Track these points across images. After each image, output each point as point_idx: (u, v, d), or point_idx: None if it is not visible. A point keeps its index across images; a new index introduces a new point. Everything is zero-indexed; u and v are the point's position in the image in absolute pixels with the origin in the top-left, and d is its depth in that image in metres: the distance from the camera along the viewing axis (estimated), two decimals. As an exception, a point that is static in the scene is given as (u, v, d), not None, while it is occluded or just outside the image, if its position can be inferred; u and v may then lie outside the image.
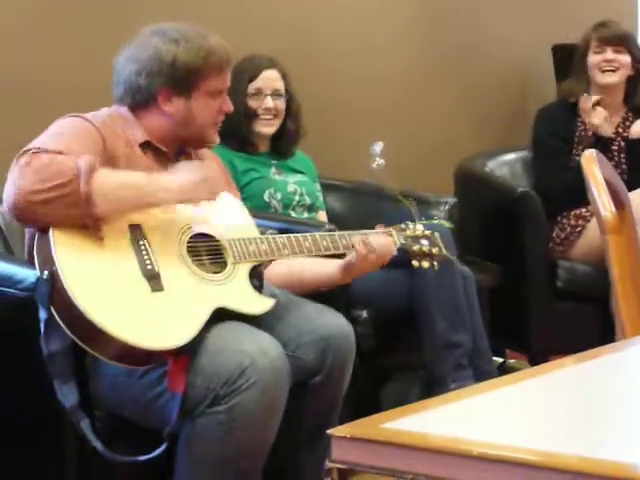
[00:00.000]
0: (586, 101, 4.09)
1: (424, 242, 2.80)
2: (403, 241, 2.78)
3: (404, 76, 4.56)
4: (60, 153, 2.30)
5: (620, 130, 4.16)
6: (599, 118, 4.05)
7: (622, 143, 4.13)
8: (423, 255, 2.80)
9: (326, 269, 2.75)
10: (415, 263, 2.80)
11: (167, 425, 2.34)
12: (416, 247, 2.79)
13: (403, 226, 2.82)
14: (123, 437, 2.49)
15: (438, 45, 4.69)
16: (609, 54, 4.10)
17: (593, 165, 2.12)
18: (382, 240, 2.74)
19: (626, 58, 4.11)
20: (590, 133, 4.08)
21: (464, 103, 4.77)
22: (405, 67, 4.56)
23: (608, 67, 4.11)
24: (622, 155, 4.11)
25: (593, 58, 4.13)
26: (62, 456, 2.50)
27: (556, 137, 4.10)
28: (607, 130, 4.06)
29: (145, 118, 2.59)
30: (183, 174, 2.45)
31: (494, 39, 4.86)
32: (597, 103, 4.07)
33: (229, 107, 2.64)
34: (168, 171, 2.47)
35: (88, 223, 2.31)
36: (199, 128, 2.60)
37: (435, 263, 2.81)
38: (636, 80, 4.15)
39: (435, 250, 2.81)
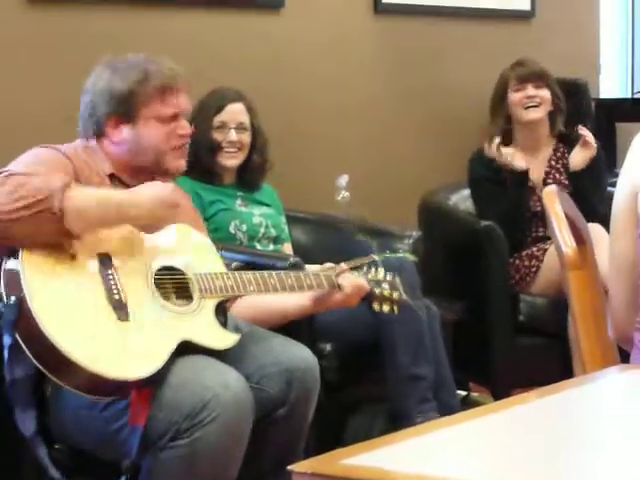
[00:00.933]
0: (490, 148, 4.14)
1: (385, 286, 2.83)
2: (367, 284, 2.80)
3: (369, 110, 4.58)
4: (28, 174, 2.31)
5: (553, 163, 4.20)
6: (505, 158, 4.09)
7: (557, 175, 4.18)
8: (384, 299, 2.83)
9: (297, 299, 2.76)
10: (376, 306, 2.84)
11: (127, 458, 2.33)
12: (377, 290, 2.82)
13: (366, 269, 2.84)
14: (82, 468, 2.48)
15: (403, 80, 4.72)
16: (530, 90, 4.17)
17: (554, 201, 2.14)
18: (356, 281, 2.76)
19: (546, 93, 4.18)
20: (507, 174, 4.13)
21: (429, 137, 4.80)
22: (371, 101, 4.59)
23: (531, 103, 4.16)
24: (559, 187, 4.16)
25: (514, 96, 4.18)
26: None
27: (489, 181, 4.15)
28: (519, 164, 4.10)
29: (104, 149, 2.61)
30: (153, 191, 2.45)
31: (458, 74, 4.90)
32: (498, 146, 4.13)
33: (185, 130, 2.64)
34: (138, 188, 2.47)
35: (62, 241, 2.30)
36: (154, 155, 2.60)
37: (395, 308, 2.85)
38: (555, 113, 4.21)
39: (395, 295, 2.84)
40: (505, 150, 4.12)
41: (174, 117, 2.61)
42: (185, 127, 2.64)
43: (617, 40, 5.98)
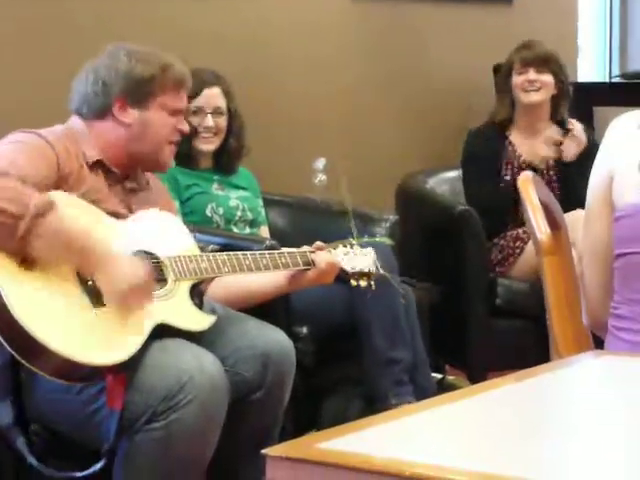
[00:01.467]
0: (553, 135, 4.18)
1: (361, 261, 2.83)
2: (340, 260, 2.80)
3: (348, 93, 4.58)
4: (19, 177, 2.28)
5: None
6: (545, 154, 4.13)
7: (551, 162, 4.21)
8: (360, 274, 2.82)
9: (272, 278, 2.76)
10: (353, 282, 2.84)
11: (104, 442, 2.33)
12: (353, 265, 2.82)
13: (341, 245, 2.84)
14: (60, 453, 2.48)
15: (382, 64, 4.72)
16: (531, 74, 4.20)
17: (529, 187, 2.15)
18: (329, 258, 2.76)
19: (548, 78, 4.20)
20: (517, 155, 4.15)
21: (407, 121, 4.80)
22: (349, 85, 4.58)
23: (531, 87, 4.20)
24: (551, 173, 4.19)
25: (516, 79, 4.22)
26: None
27: (484, 159, 4.16)
28: (540, 163, 4.14)
29: (100, 132, 2.59)
30: (128, 275, 2.35)
31: (437, 58, 4.90)
32: (560, 143, 4.16)
33: (185, 128, 2.67)
34: (117, 259, 2.38)
35: (19, 256, 2.28)
36: (153, 144, 2.60)
37: (372, 282, 2.85)
38: (560, 98, 4.24)
39: (372, 269, 2.83)
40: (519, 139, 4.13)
41: (179, 112, 2.63)
42: (186, 125, 2.67)
43: (595, 24, 5.99)
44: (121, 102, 2.58)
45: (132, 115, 2.58)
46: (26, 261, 2.29)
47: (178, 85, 2.62)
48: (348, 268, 2.81)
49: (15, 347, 2.24)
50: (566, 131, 4.21)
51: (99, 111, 2.58)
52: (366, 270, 2.83)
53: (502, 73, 4.30)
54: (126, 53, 2.60)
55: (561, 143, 4.20)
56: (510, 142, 4.21)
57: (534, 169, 4.06)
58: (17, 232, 2.24)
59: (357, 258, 2.83)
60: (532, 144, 4.20)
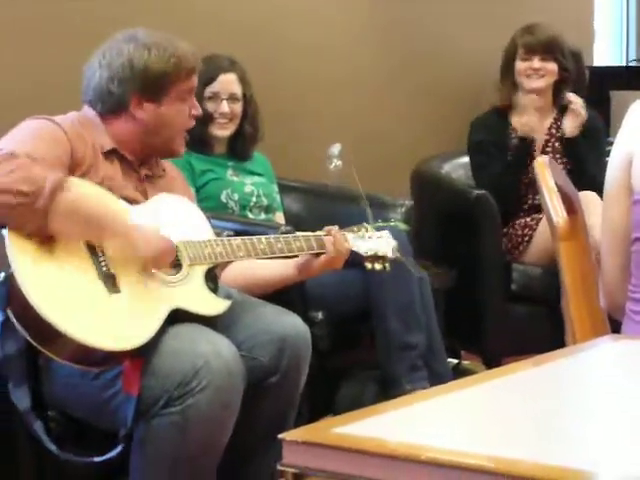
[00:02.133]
0: (525, 99, 4.15)
1: (375, 245, 2.82)
2: (352, 243, 2.79)
3: (362, 79, 4.57)
4: (30, 157, 2.29)
5: (553, 131, 4.23)
6: (528, 127, 4.11)
7: (557, 144, 4.20)
8: (375, 258, 2.81)
9: (280, 268, 2.76)
10: (368, 265, 2.82)
11: (121, 426, 2.34)
12: (368, 249, 2.80)
13: (355, 229, 2.83)
14: (78, 438, 2.49)
15: (396, 48, 4.70)
16: (536, 63, 4.19)
17: (545, 171, 2.14)
18: (338, 242, 2.75)
19: (552, 66, 4.20)
20: (513, 136, 4.14)
21: (421, 106, 4.79)
22: (364, 70, 4.57)
23: (534, 75, 4.18)
24: (557, 156, 4.17)
25: (520, 65, 4.22)
26: (16, 457, 2.49)
27: (489, 145, 4.15)
28: (526, 132, 4.11)
29: (114, 125, 2.59)
30: (141, 236, 2.39)
31: (450, 43, 4.89)
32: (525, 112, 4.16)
33: (198, 110, 2.66)
34: (131, 225, 2.41)
35: (39, 236, 2.29)
36: (169, 135, 2.61)
37: (387, 265, 2.83)
38: (562, 84, 4.23)
39: (387, 252, 2.82)
40: (531, 119, 4.13)
41: (190, 94, 2.64)
42: (198, 107, 2.67)
43: (612, 8, 5.96)
44: (137, 99, 2.57)
45: (148, 110, 2.58)
46: (42, 246, 2.30)
47: (190, 73, 2.62)
48: (362, 251, 2.80)
49: (31, 333, 2.25)
50: (565, 106, 4.19)
51: (114, 108, 2.58)
52: (381, 253, 2.82)
53: (505, 57, 4.27)
54: (140, 46, 2.57)
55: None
56: (513, 128, 4.19)
57: (530, 152, 4.06)
58: (36, 210, 2.24)
59: (372, 241, 2.82)
60: (532, 120, 4.17)
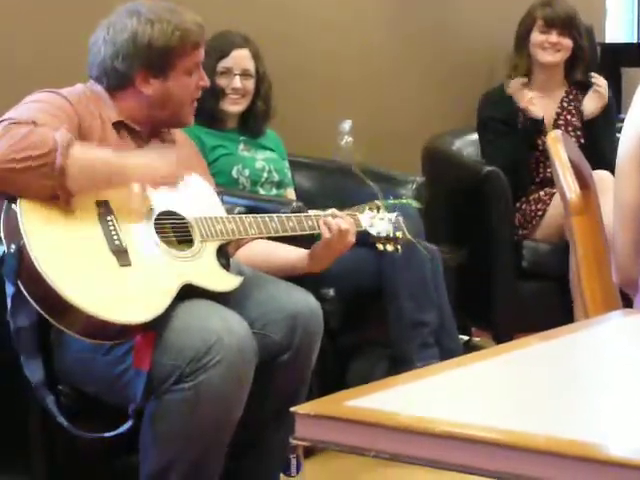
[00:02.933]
0: (514, 85, 4.15)
1: (388, 226, 2.82)
2: (368, 224, 2.79)
3: (373, 54, 4.56)
4: (33, 122, 2.29)
5: (565, 104, 4.23)
6: (526, 101, 4.10)
7: (568, 117, 4.19)
8: (387, 239, 2.81)
9: (292, 256, 2.75)
10: (380, 246, 2.82)
11: (132, 402, 2.35)
12: (380, 230, 2.81)
13: (367, 206, 2.83)
14: (89, 413, 2.50)
15: (408, 23, 4.69)
16: (553, 37, 4.18)
17: (558, 146, 2.13)
18: (338, 223, 2.70)
19: (568, 42, 4.19)
20: (520, 115, 4.14)
21: (433, 82, 4.78)
22: (374, 46, 4.56)
23: (551, 48, 4.17)
24: (570, 129, 4.16)
25: (537, 37, 4.21)
26: (27, 431, 2.50)
27: (498, 121, 4.15)
28: (536, 112, 4.10)
29: (120, 99, 2.59)
30: (154, 156, 2.45)
31: (463, 20, 4.87)
32: (522, 86, 4.14)
33: (206, 82, 2.66)
34: (140, 151, 2.47)
35: (60, 195, 2.30)
36: (177, 108, 2.61)
37: (399, 247, 2.84)
38: (574, 61, 4.23)
39: (399, 234, 2.83)
40: (527, 92, 4.11)
41: (197, 67, 2.63)
42: (205, 78, 2.65)
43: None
44: (143, 75, 2.56)
45: (154, 86, 2.57)
46: (53, 218, 2.30)
47: (195, 46, 2.60)
48: (375, 232, 2.80)
49: (44, 306, 2.25)
50: (588, 85, 4.18)
51: (120, 84, 2.58)
52: (392, 235, 2.82)
53: (522, 28, 4.26)
54: (142, 21, 2.55)
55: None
56: (521, 108, 4.17)
57: (538, 130, 4.05)
58: (55, 167, 2.25)
59: (384, 222, 2.82)
60: (544, 104, 4.17)
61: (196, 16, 2.63)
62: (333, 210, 2.79)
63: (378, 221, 2.81)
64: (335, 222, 2.68)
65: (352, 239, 2.71)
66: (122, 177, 2.39)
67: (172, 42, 2.55)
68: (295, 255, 2.74)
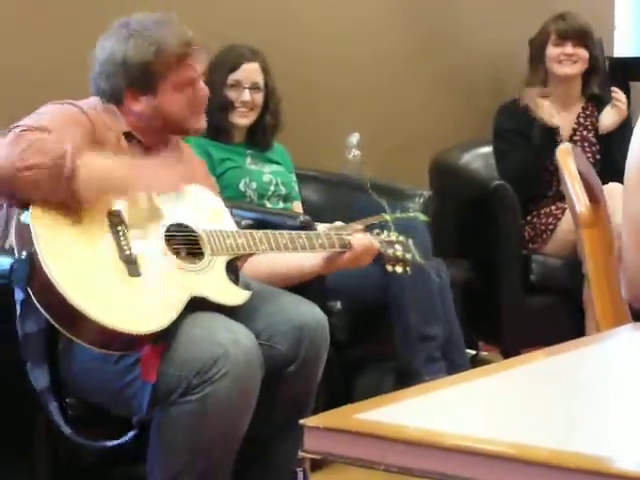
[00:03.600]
0: (527, 97, 4.15)
1: (398, 247, 2.84)
2: (378, 245, 2.80)
3: (381, 67, 4.56)
4: (44, 130, 2.30)
5: (581, 120, 4.23)
6: (543, 111, 4.10)
7: (585, 133, 4.19)
8: (397, 260, 2.82)
9: (308, 259, 2.76)
10: (389, 267, 2.84)
11: (137, 413, 2.34)
12: (390, 251, 2.82)
13: (378, 231, 2.84)
14: (93, 422, 2.50)
15: (415, 36, 4.69)
16: (569, 48, 4.18)
17: (568, 159, 2.13)
18: (366, 241, 2.75)
19: (584, 53, 4.20)
20: (536, 125, 4.14)
21: (441, 95, 4.78)
22: (382, 58, 4.56)
23: (567, 60, 4.17)
24: (585, 144, 4.16)
25: (552, 51, 4.21)
26: (31, 439, 2.50)
27: (512, 132, 4.15)
28: (552, 120, 4.10)
29: (122, 112, 2.59)
30: (158, 164, 2.46)
31: (472, 30, 4.87)
32: (542, 95, 4.15)
33: (204, 92, 2.64)
34: (148, 163, 2.48)
35: (69, 202, 2.31)
36: (174, 121, 2.60)
37: (408, 269, 2.85)
38: (591, 73, 4.23)
39: (408, 256, 2.84)
40: (544, 102, 4.12)
41: (192, 82, 2.61)
42: (204, 89, 2.64)
43: (632, -1, 5.92)
44: (130, 93, 2.57)
45: (144, 103, 2.57)
46: (64, 226, 2.31)
47: (178, 60, 2.57)
48: (384, 253, 2.81)
49: (53, 314, 2.26)
50: (604, 97, 4.17)
51: (114, 101, 2.58)
52: (402, 256, 2.83)
53: (536, 43, 4.27)
54: (122, 37, 2.54)
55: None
56: (538, 117, 4.18)
57: (554, 140, 4.05)
58: (64, 177, 2.26)
59: (394, 244, 2.83)
60: (561, 118, 4.17)
61: (186, 30, 2.59)
62: (339, 223, 2.81)
63: (389, 242, 2.83)
64: (367, 238, 2.74)
65: (374, 254, 2.77)
66: (129, 185, 2.40)
67: (147, 57, 2.54)
68: (301, 257, 2.74)
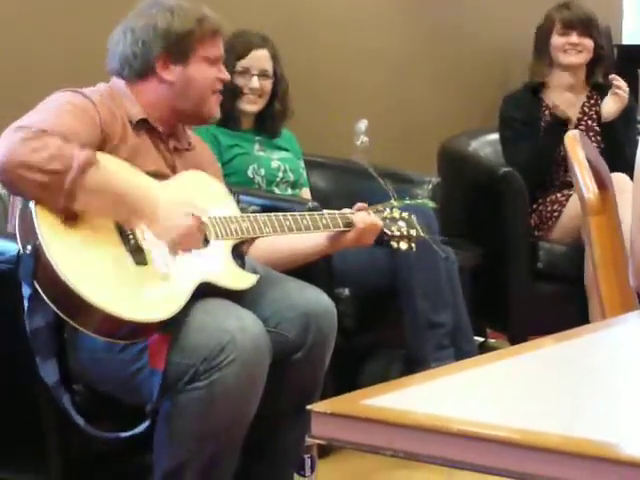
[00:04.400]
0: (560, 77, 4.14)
1: (401, 224, 2.83)
2: (381, 223, 2.80)
3: (389, 54, 4.55)
4: (60, 135, 2.29)
5: (586, 109, 4.22)
6: (553, 101, 4.11)
7: (589, 122, 4.18)
8: (401, 237, 2.82)
9: (313, 239, 2.76)
10: (393, 244, 2.83)
11: (147, 401, 2.34)
12: (394, 228, 2.81)
13: (380, 207, 2.84)
14: (105, 413, 2.49)
15: (423, 23, 4.68)
16: (574, 37, 4.17)
17: (576, 146, 2.12)
18: (369, 218, 2.76)
19: (589, 42, 4.19)
20: (547, 113, 4.13)
21: (449, 82, 4.77)
22: (390, 45, 4.55)
23: (572, 49, 4.16)
24: (591, 134, 4.15)
25: (557, 40, 4.19)
26: (42, 431, 2.50)
27: (520, 121, 4.14)
28: (564, 111, 4.09)
29: (142, 91, 2.58)
30: (172, 224, 2.41)
31: (479, 18, 4.86)
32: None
33: (226, 75, 2.66)
34: (163, 209, 2.42)
35: (66, 213, 2.30)
36: (198, 97, 2.60)
37: (413, 245, 2.84)
38: (596, 62, 4.22)
39: (412, 232, 2.83)
40: (554, 94, 4.11)
41: (217, 61, 2.63)
42: (225, 72, 2.66)
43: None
44: (163, 60, 2.57)
45: (175, 72, 2.58)
46: (69, 218, 2.31)
47: (215, 34, 2.62)
48: (388, 231, 2.81)
49: (60, 306, 2.25)
50: (608, 86, 4.16)
51: (141, 71, 2.58)
52: (406, 233, 2.82)
53: (541, 32, 4.26)
54: (161, 9, 2.58)
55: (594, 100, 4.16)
56: (546, 105, 4.17)
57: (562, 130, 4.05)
58: (63, 187, 2.26)
59: (397, 221, 2.83)
60: (567, 98, 4.16)
61: (215, 13, 2.64)
62: (347, 210, 2.80)
63: (392, 220, 2.82)
64: (370, 216, 2.74)
65: (377, 231, 2.77)
66: (127, 220, 2.37)
67: (190, 26, 2.57)
68: (305, 237, 2.74)
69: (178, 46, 2.57)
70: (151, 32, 2.56)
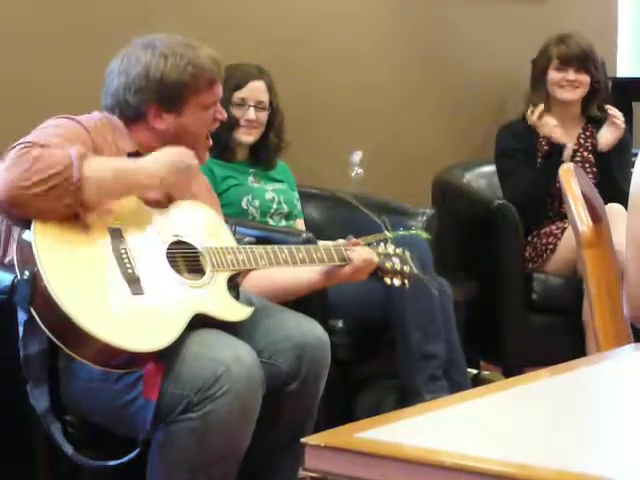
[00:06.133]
0: (532, 115, 4.15)
1: (395, 260, 2.84)
2: (376, 258, 2.80)
3: (384, 86, 4.57)
4: (45, 145, 2.31)
5: (582, 141, 4.23)
6: (548, 128, 4.10)
7: (585, 154, 4.19)
8: (394, 273, 2.83)
9: (307, 274, 2.76)
10: (387, 280, 2.84)
11: (139, 432, 2.34)
12: (388, 264, 2.82)
13: (372, 239, 2.85)
14: (94, 442, 2.48)
15: (418, 55, 4.70)
16: (571, 74, 4.19)
17: (571, 179, 2.13)
18: (365, 254, 2.76)
19: (586, 78, 4.20)
20: (544, 143, 4.14)
21: (443, 114, 4.78)
22: (385, 77, 4.57)
23: (569, 86, 4.17)
24: (586, 166, 4.16)
25: (554, 75, 4.21)
26: (32, 459, 2.49)
27: (517, 152, 4.15)
28: (559, 137, 4.10)
29: (135, 131, 2.59)
30: (166, 159, 2.47)
31: (474, 51, 4.88)
32: (541, 114, 4.14)
33: (223, 115, 2.66)
34: (152, 156, 2.49)
35: (78, 212, 2.32)
36: (192, 142, 2.60)
37: (406, 281, 2.85)
38: (592, 95, 4.24)
39: (406, 268, 2.85)
40: (547, 119, 4.13)
41: (214, 104, 2.63)
42: (223, 112, 2.66)
43: (636, 19, 5.93)
44: (155, 110, 2.56)
45: (167, 120, 2.58)
46: (67, 245, 2.31)
47: (211, 83, 2.60)
48: (383, 267, 2.82)
49: (56, 333, 2.26)
50: (603, 117, 4.18)
51: (134, 117, 2.58)
52: (399, 269, 2.83)
53: (538, 67, 4.27)
54: (157, 54, 2.55)
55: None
56: (542, 135, 4.18)
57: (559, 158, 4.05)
58: (71, 180, 2.27)
59: (392, 257, 2.84)
60: (563, 130, 4.18)
61: (213, 52, 2.62)
62: (342, 241, 2.81)
63: (386, 256, 2.83)
64: (366, 252, 2.75)
65: (373, 267, 2.78)
66: (137, 185, 2.43)
67: (185, 78, 2.55)
68: (300, 270, 2.74)
69: (171, 97, 2.55)
70: (143, 80, 2.55)
